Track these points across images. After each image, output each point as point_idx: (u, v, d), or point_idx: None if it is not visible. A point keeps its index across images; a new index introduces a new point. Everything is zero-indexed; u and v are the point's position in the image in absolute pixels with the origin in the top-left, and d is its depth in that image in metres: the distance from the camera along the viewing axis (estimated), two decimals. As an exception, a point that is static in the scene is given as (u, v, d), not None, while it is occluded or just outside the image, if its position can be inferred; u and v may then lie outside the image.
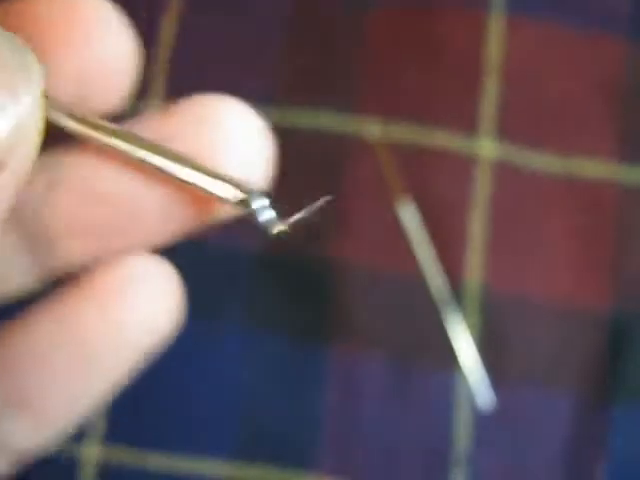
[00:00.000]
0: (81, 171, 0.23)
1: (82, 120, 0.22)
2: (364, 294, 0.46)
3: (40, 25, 0.21)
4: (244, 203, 0.23)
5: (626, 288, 0.46)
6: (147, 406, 0.45)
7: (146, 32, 0.49)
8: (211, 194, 0.22)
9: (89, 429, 0.44)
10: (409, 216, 0.46)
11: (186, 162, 0.22)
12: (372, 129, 0.47)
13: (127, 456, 0.44)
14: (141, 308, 0.23)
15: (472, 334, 0.45)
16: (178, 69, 0.49)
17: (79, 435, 0.44)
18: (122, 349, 0.23)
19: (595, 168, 0.47)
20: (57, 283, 0.24)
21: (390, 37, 0.49)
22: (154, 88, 0.48)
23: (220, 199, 0.23)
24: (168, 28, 0.49)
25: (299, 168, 0.47)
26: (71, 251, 0.24)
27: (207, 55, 0.49)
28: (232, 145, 0.24)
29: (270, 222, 0.23)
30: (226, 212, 0.24)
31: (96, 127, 0.22)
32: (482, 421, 0.45)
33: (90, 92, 0.22)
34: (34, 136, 0.19)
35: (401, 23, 0.49)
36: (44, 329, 0.23)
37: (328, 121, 0.47)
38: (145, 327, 0.23)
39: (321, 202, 0.24)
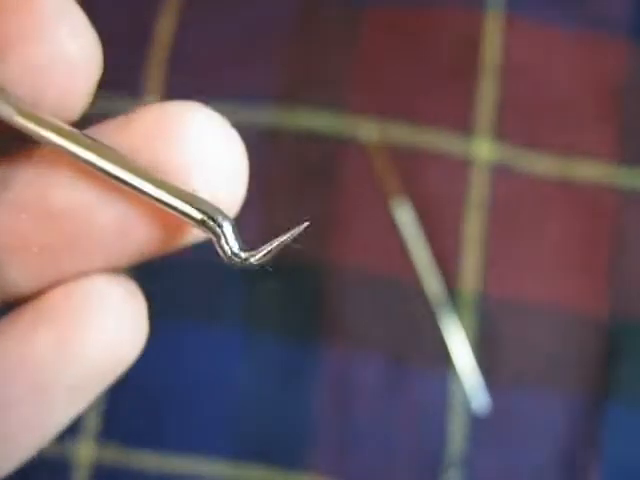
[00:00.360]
0: (30, 185, 0.21)
1: (35, 118, 0.20)
2: (360, 296, 0.46)
3: None
4: (205, 224, 0.21)
5: (622, 292, 0.46)
6: (142, 405, 0.45)
7: (143, 31, 0.49)
8: (170, 210, 0.21)
9: (83, 428, 0.44)
10: (404, 218, 0.46)
11: (143, 172, 0.20)
12: (368, 130, 0.47)
13: (121, 456, 0.44)
14: (100, 333, 0.21)
15: (467, 336, 0.45)
16: (175, 69, 0.49)
17: (73, 434, 0.44)
18: (80, 377, 0.22)
19: (593, 170, 0.47)
20: (8, 307, 0.23)
21: (386, 38, 0.49)
22: (151, 87, 0.48)
23: (180, 216, 0.21)
24: (165, 28, 0.49)
25: (294, 169, 0.47)
26: (22, 273, 0.22)
27: (204, 55, 0.49)
28: (200, 157, 0.21)
29: (233, 250, 0.21)
30: (193, 235, 0.22)
31: (50, 127, 0.20)
32: (477, 423, 0.45)
33: (44, 92, 0.21)
34: None
35: (397, 24, 0.49)
36: None
37: (323, 122, 0.47)
38: (105, 353, 0.22)
39: (297, 230, 0.22)
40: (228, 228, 0.21)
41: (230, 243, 0.21)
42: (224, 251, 0.21)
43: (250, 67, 0.49)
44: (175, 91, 0.48)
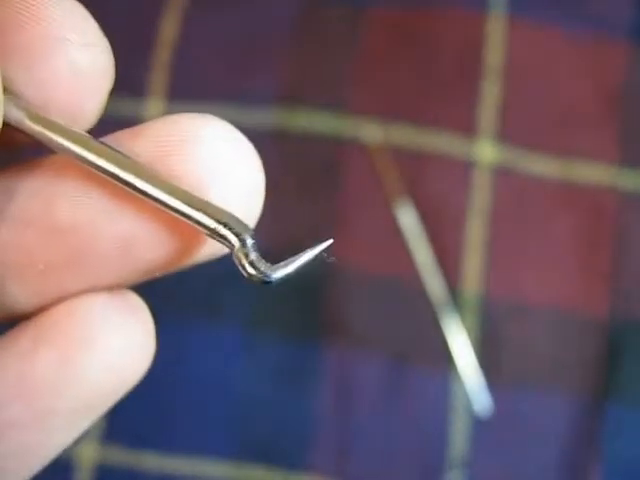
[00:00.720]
0: (34, 198, 0.20)
1: (46, 123, 0.19)
2: (362, 296, 0.46)
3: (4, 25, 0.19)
4: (220, 234, 0.19)
5: (623, 293, 0.46)
6: (145, 407, 0.45)
7: (147, 34, 0.50)
8: (185, 219, 0.19)
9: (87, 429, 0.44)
10: (407, 219, 0.46)
11: (156, 178, 0.19)
12: (370, 131, 0.47)
13: (124, 457, 0.44)
14: (103, 353, 0.20)
15: (470, 337, 0.45)
16: (178, 71, 0.49)
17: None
18: (82, 399, 0.21)
19: (595, 172, 0.47)
20: (9, 323, 0.22)
21: (388, 39, 0.49)
22: (154, 89, 0.48)
23: (194, 225, 0.20)
24: (168, 30, 0.49)
25: (297, 170, 0.47)
26: (24, 290, 0.21)
27: (206, 57, 0.49)
28: (216, 171, 0.20)
29: (253, 263, 0.19)
30: (206, 251, 0.21)
31: (62, 132, 0.20)
32: (478, 423, 0.45)
33: (55, 103, 0.20)
34: None
35: (399, 25, 0.49)
36: None
37: (326, 123, 0.47)
38: (109, 374, 0.21)
39: (318, 250, 0.20)
40: (248, 239, 0.20)
41: (251, 256, 0.20)
42: (242, 264, 0.20)
43: (252, 69, 0.49)
44: (177, 93, 0.48)
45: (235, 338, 0.46)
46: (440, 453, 0.44)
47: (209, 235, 0.20)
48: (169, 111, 0.48)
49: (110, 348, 0.21)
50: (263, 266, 0.20)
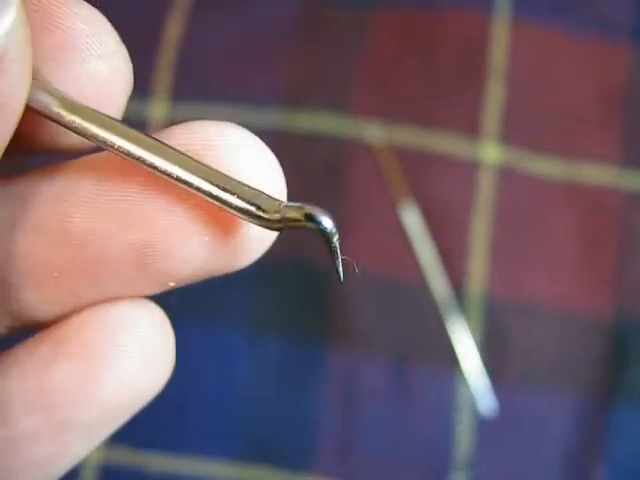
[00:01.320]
0: (48, 206, 0.20)
1: (77, 109, 0.19)
2: (366, 297, 0.46)
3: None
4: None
5: (628, 294, 0.46)
6: (148, 407, 0.45)
7: (152, 34, 0.50)
8: (232, 210, 0.19)
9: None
10: (411, 219, 0.46)
11: (196, 165, 0.19)
12: (374, 132, 0.47)
13: (128, 457, 0.44)
14: (123, 367, 0.20)
15: (474, 338, 0.45)
16: (183, 71, 0.49)
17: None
18: (100, 413, 0.20)
19: (599, 173, 0.47)
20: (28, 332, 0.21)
21: (392, 40, 0.49)
22: (159, 89, 0.48)
23: (242, 211, 0.19)
24: (173, 29, 0.49)
25: (301, 171, 0.47)
26: (39, 298, 0.21)
27: (211, 58, 0.49)
28: (240, 177, 0.20)
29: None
30: (216, 265, 0.21)
31: (92, 118, 0.19)
32: (483, 424, 0.45)
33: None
34: (24, 50, 0.17)
35: (404, 26, 0.49)
36: (11, 387, 0.20)
37: (330, 124, 0.47)
38: (128, 387, 0.20)
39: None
40: (332, 227, 0.20)
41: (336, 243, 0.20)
42: (336, 254, 0.20)
43: (256, 69, 0.49)
44: (182, 94, 0.48)
45: (239, 339, 0.46)
46: (445, 454, 0.44)
47: (259, 221, 0.19)
48: (173, 112, 0.48)
49: (129, 361, 0.20)
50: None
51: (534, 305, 0.46)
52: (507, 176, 0.47)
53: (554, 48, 0.49)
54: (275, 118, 0.47)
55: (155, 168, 0.19)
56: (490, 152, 0.47)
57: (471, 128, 0.47)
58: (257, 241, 0.21)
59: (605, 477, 0.44)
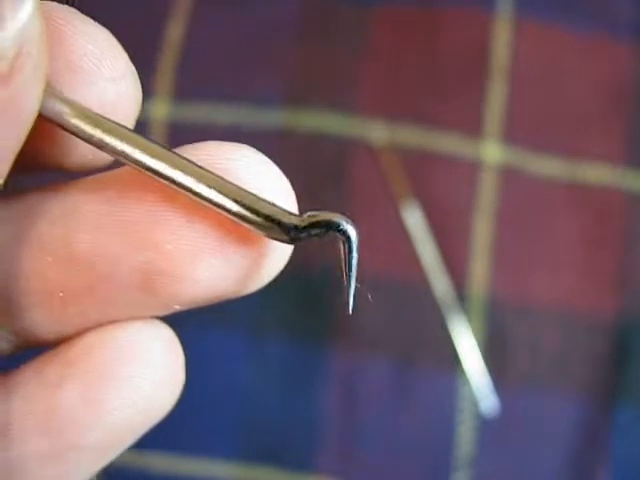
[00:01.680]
0: (55, 225, 0.20)
1: (90, 118, 0.18)
2: (368, 297, 0.46)
3: None
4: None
5: (630, 294, 0.46)
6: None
7: (154, 35, 0.50)
8: (251, 221, 0.19)
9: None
10: (413, 219, 0.46)
11: (217, 180, 0.19)
12: (377, 132, 0.47)
13: (130, 457, 0.44)
14: (131, 391, 0.20)
15: (476, 338, 0.45)
16: (185, 72, 0.49)
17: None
18: (108, 436, 0.20)
19: (601, 173, 0.47)
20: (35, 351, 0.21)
21: (395, 39, 0.49)
22: (161, 90, 0.48)
23: (262, 226, 0.19)
24: (175, 29, 0.49)
25: (304, 170, 0.47)
26: (46, 318, 0.20)
27: (214, 58, 0.49)
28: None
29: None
30: (220, 289, 0.20)
31: (109, 130, 0.19)
32: (485, 424, 0.45)
33: None
34: (40, 46, 0.17)
35: (406, 25, 0.49)
36: (18, 408, 0.20)
37: (333, 123, 0.47)
38: (136, 411, 0.20)
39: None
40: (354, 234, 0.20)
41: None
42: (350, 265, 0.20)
43: (259, 69, 0.49)
44: (184, 94, 0.48)
45: (241, 340, 0.46)
46: (447, 454, 0.44)
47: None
48: (175, 112, 0.48)
49: (139, 385, 0.20)
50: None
51: (536, 305, 0.46)
52: (509, 176, 0.47)
53: (557, 47, 0.48)
54: (277, 118, 0.47)
55: (174, 182, 0.19)
56: (492, 152, 0.47)
57: (474, 128, 0.47)
58: (274, 261, 0.20)
59: (608, 477, 0.44)
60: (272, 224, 0.19)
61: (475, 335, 0.45)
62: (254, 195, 0.19)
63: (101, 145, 0.19)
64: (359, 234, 0.20)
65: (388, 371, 0.45)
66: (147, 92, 0.48)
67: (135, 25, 0.50)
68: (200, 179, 0.19)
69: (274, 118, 0.47)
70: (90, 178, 0.20)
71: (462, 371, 0.45)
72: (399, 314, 0.46)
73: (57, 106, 0.18)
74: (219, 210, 0.19)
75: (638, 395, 0.45)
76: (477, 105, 0.48)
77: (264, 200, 0.19)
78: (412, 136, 0.47)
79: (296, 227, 0.19)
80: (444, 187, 0.47)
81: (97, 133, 0.19)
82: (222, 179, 0.19)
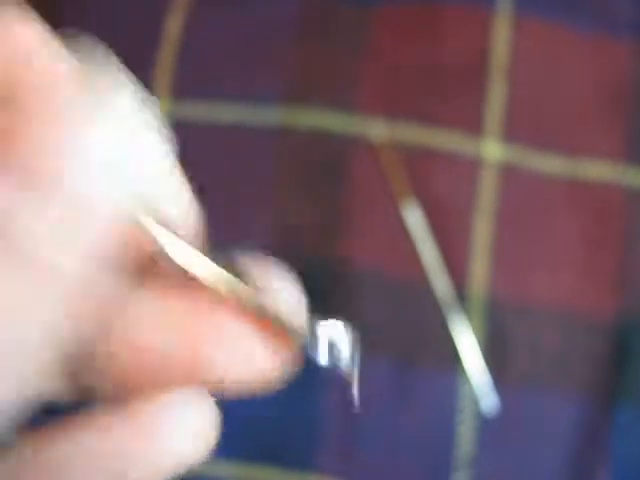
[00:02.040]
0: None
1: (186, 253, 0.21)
2: (368, 295, 0.46)
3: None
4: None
5: (630, 293, 0.46)
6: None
7: (153, 32, 0.49)
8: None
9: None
10: (414, 218, 0.46)
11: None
12: (377, 130, 0.47)
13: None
14: (173, 439, 0.22)
15: (476, 337, 0.45)
16: (184, 69, 0.49)
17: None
18: (148, 473, 0.22)
19: (602, 171, 0.47)
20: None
21: (395, 37, 0.49)
22: (160, 88, 0.48)
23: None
24: (173, 29, 0.49)
25: (304, 168, 0.47)
26: (100, 386, 0.23)
27: (213, 55, 0.49)
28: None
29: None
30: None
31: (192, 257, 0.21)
32: (485, 424, 0.44)
33: None
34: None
35: (406, 23, 0.49)
36: (77, 451, 0.22)
37: (333, 121, 0.47)
38: (174, 457, 0.23)
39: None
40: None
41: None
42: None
43: (258, 67, 0.49)
44: (183, 92, 0.48)
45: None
46: (447, 453, 0.44)
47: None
48: (175, 110, 0.48)
49: (180, 438, 0.22)
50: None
51: (536, 305, 0.46)
52: (510, 174, 0.47)
53: (557, 45, 0.48)
54: (277, 116, 0.47)
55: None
56: (492, 150, 0.47)
57: (474, 126, 0.47)
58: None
59: (608, 477, 0.44)
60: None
61: (475, 334, 0.45)
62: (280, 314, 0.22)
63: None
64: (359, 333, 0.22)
65: (388, 371, 0.45)
66: (146, 90, 0.48)
67: (134, 23, 0.49)
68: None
69: (274, 116, 0.47)
70: None
71: (462, 370, 0.45)
72: (399, 313, 0.46)
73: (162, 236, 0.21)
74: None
75: (638, 395, 0.45)
76: (477, 103, 0.47)
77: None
78: (412, 134, 0.47)
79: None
80: (444, 185, 0.47)
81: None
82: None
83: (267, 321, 0.22)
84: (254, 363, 0.23)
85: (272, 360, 0.23)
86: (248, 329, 0.22)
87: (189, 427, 0.22)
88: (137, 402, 0.22)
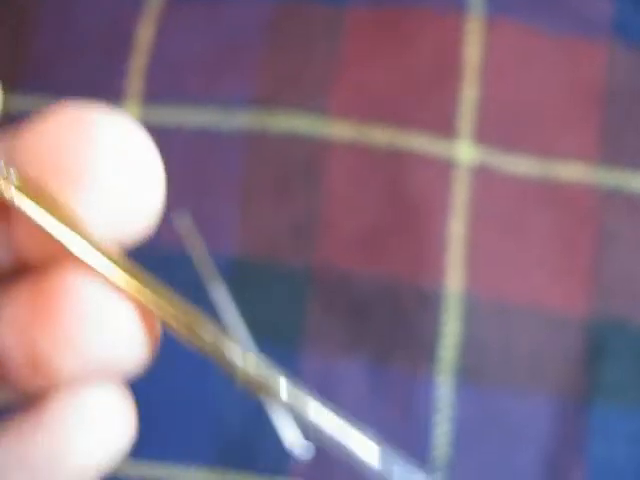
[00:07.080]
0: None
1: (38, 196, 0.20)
2: (343, 294, 0.46)
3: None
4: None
5: (604, 292, 0.46)
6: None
7: (123, 37, 0.49)
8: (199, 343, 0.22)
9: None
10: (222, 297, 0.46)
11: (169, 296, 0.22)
12: (350, 131, 0.47)
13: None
14: (88, 443, 0.22)
15: (452, 338, 0.45)
16: (155, 74, 0.48)
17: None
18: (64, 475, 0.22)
19: (575, 171, 0.47)
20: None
21: (367, 39, 0.49)
22: (131, 93, 0.48)
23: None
24: (144, 32, 0.49)
25: (276, 172, 0.47)
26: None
27: (184, 60, 0.49)
28: (110, 163, 0.20)
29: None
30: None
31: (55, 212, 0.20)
32: (461, 425, 0.45)
33: None
34: None
35: (378, 25, 0.49)
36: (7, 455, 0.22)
37: (305, 124, 0.47)
38: (92, 460, 0.23)
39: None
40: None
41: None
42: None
43: (229, 71, 0.48)
44: (154, 97, 0.48)
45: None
46: (423, 455, 0.44)
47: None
48: (145, 115, 0.47)
49: (97, 439, 0.23)
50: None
51: (511, 304, 0.46)
52: (483, 175, 0.47)
53: (530, 46, 0.49)
54: (249, 119, 0.47)
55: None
56: (465, 151, 0.47)
57: (446, 127, 0.47)
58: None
59: (583, 477, 0.44)
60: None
61: (452, 336, 0.45)
62: (203, 319, 0.23)
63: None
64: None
65: (363, 371, 0.45)
66: (117, 95, 0.48)
67: (104, 28, 0.49)
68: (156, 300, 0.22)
69: (246, 120, 0.47)
70: None
71: (439, 371, 0.45)
72: (373, 313, 0.46)
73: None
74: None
75: (613, 394, 0.45)
76: (450, 104, 0.48)
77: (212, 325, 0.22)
78: (384, 136, 0.47)
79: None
80: (417, 187, 0.47)
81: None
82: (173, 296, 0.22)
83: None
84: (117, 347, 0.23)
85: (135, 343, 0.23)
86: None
87: (96, 425, 0.22)
88: (45, 402, 0.22)
